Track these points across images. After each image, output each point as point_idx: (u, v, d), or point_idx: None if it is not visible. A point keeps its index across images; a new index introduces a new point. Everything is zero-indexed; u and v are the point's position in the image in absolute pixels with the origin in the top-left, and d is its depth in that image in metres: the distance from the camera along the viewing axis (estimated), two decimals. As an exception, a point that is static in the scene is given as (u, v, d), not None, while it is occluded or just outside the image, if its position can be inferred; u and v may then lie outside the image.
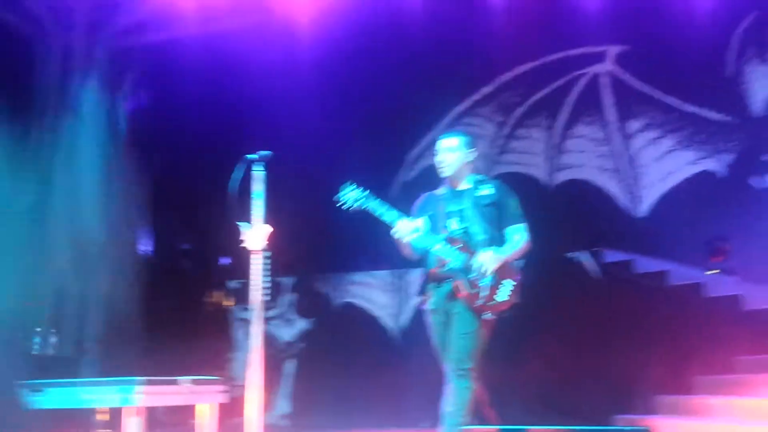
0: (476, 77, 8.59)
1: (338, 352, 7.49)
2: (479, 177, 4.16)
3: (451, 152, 4.09)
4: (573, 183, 8.24)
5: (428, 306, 4.09)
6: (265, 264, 3.97)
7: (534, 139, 8.49)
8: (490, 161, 8.54)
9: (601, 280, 6.00)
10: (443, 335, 3.99)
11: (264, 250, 3.96)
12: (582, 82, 8.45)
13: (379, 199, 4.10)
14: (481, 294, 3.83)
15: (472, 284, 3.85)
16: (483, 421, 4.47)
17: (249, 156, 3.96)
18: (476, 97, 8.67)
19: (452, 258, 3.89)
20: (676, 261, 6.83)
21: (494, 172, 8.37)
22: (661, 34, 8.12)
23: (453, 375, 3.91)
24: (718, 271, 7.09)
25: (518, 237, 3.99)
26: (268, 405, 7.16)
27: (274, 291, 7.75)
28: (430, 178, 8.46)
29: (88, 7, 7.97)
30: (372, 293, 7.80)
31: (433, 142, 8.54)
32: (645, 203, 8.16)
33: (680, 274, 6.35)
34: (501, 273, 3.87)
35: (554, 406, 5.70)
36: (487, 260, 3.83)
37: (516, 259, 3.98)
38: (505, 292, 3.88)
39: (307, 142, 8.17)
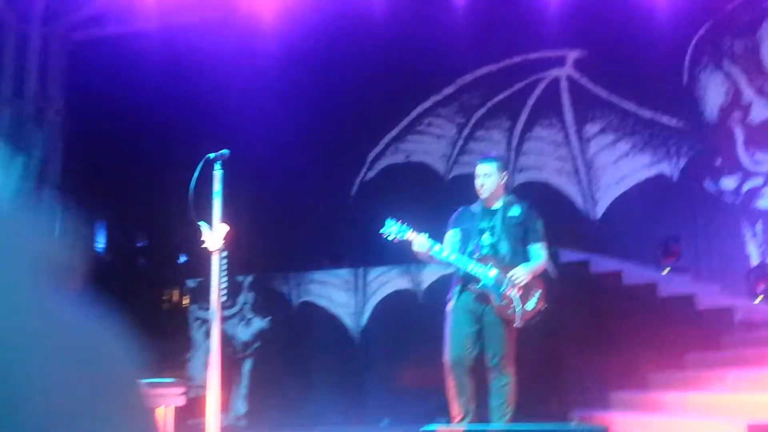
0: (438, 78, 8.64)
1: (296, 351, 7.44)
2: (510, 197, 4.66)
3: (488, 177, 4.56)
4: (532, 184, 8.34)
5: (451, 308, 4.49)
6: (223, 263, 3.92)
7: (494, 141, 8.56)
8: (450, 162, 8.59)
9: (558, 279, 6.07)
10: (462, 335, 4.39)
11: (222, 249, 3.91)
12: (542, 86, 8.56)
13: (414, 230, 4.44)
14: (512, 305, 4.33)
15: (503, 297, 4.34)
16: (449, 419, 4.52)
17: (209, 155, 3.91)
18: (437, 97, 8.71)
19: (484, 276, 4.36)
20: (631, 261, 6.97)
21: (454, 173, 8.43)
22: (619, 40, 8.26)
23: (494, 374, 4.41)
24: (668, 269, 7.25)
25: (541, 254, 4.52)
26: (225, 406, 7.08)
27: (232, 290, 7.67)
28: (390, 178, 8.56)
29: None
30: (331, 292, 7.77)
31: (392, 141, 8.69)
32: (601, 205, 8.30)
33: (635, 273, 6.47)
34: (529, 284, 4.38)
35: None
36: (521, 274, 4.36)
37: (539, 273, 4.49)
38: (534, 301, 4.38)
39: (267, 141, 8.12)
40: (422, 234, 4.40)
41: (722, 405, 4.52)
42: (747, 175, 8.01)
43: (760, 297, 6.87)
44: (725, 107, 8.18)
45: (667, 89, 8.27)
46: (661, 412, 5.00)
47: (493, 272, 4.36)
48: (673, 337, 5.71)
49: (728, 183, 8.04)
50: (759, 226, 7.87)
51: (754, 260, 7.72)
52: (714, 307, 5.93)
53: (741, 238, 7.88)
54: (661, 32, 8.16)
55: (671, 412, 4.91)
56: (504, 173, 4.61)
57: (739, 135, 8.09)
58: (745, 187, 7.99)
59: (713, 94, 8.21)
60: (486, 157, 4.71)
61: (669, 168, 8.20)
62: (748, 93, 8.13)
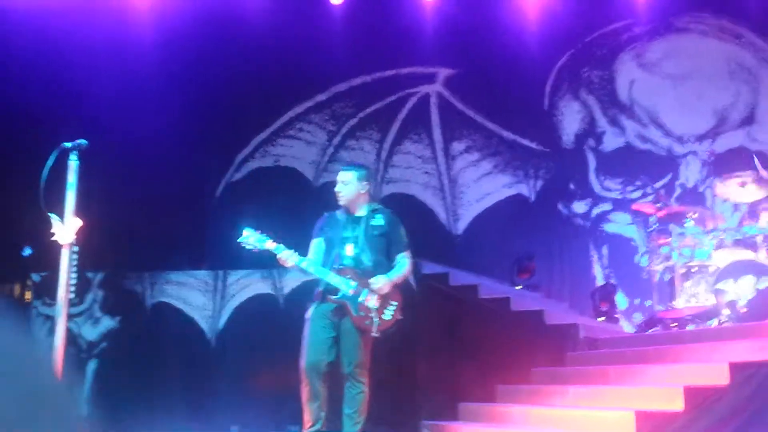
0: (312, 84, 8.61)
1: (147, 353, 7.13)
2: (373, 206, 4.70)
3: (345, 185, 4.59)
4: (398, 196, 8.47)
5: (310, 315, 4.51)
6: (73, 258, 3.71)
7: (364, 151, 8.63)
8: (319, 169, 8.57)
9: (417, 290, 6.19)
10: (318, 341, 4.41)
11: (73, 243, 3.70)
12: (413, 100, 8.73)
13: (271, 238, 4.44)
14: (370, 315, 4.39)
15: (360, 308, 4.40)
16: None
17: (65, 144, 3.69)
18: (310, 103, 8.69)
19: (343, 286, 4.41)
20: (488, 276, 7.22)
21: (323, 179, 8.41)
22: (488, 62, 8.59)
23: (348, 382, 4.46)
24: (521, 286, 7.58)
25: (404, 263, 4.60)
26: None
27: (81, 287, 7.26)
28: (258, 180, 8.42)
29: None
30: (188, 294, 7.52)
31: (262, 144, 8.57)
32: (463, 221, 8.56)
33: (491, 288, 6.71)
34: (387, 295, 4.45)
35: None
36: (381, 283, 4.42)
37: (400, 283, 4.57)
38: (390, 311, 4.45)
39: (130, 134, 7.77)
40: (281, 245, 4.40)
41: (563, 419, 4.76)
42: (597, 200, 8.52)
43: (603, 316, 7.32)
44: (580, 134, 8.67)
45: (529, 113, 8.67)
46: (507, 423, 5.19)
47: (352, 283, 4.41)
48: (522, 351, 5.96)
49: (579, 207, 8.53)
50: (605, 250, 8.40)
51: (599, 281, 8.22)
52: (561, 324, 6.24)
53: (588, 259, 8.37)
54: (527, 57, 8.56)
55: (516, 425, 5.11)
56: (364, 183, 4.63)
57: (592, 161, 8.61)
58: (595, 212, 8.51)
59: (570, 120, 8.69)
60: (346, 165, 4.77)
61: (527, 189, 8.58)
62: (602, 122, 8.67)
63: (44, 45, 7.83)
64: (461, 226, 8.58)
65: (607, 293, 7.56)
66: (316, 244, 4.62)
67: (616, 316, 7.53)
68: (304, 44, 8.41)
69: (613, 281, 8.05)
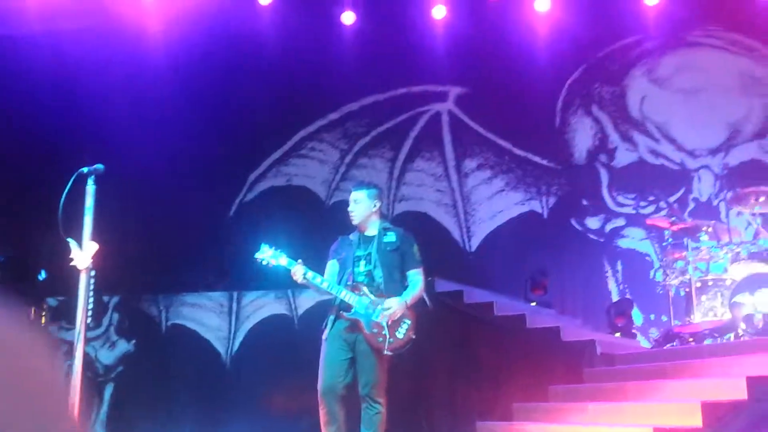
0: (323, 103, 8.68)
1: (163, 375, 7.16)
2: (385, 224, 4.70)
3: (357, 204, 4.63)
4: (411, 214, 8.48)
5: (326, 335, 4.50)
6: (90, 283, 3.73)
7: (376, 170, 8.66)
8: (331, 187, 8.61)
9: (431, 308, 6.18)
10: (334, 363, 4.41)
11: (90, 268, 3.72)
12: (424, 118, 8.77)
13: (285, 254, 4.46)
14: (382, 332, 4.36)
15: (373, 325, 4.38)
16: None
17: (82, 169, 3.72)
18: (322, 122, 8.74)
19: (356, 304, 4.40)
20: (502, 293, 7.20)
21: (335, 198, 8.45)
22: (499, 80, 8.62)
23: (365, 403, 4.43)
24: (536, 302, 7.55)
25: (418, 280, 4.57)
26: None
27: (98, 310, 7.31)
28: (270, 199, 8.45)
29: None
30: (203, 315, 7.55)
31: (275, 163, 8.62)
32: (476, 238, 8.55)
33: (505, 305, 6.69)
34: (400, 313, 4.41)
35: None
36: (394, 307, 4.39)
37: (415, 301, 4.53)
38: (403, 330, 4.41)
39: (144, 157, 7.82)
40: (297, 261, 4.40)
41: (581, 435, 4.73)
42: (610, 215, 8.49)
43: (619, 332, 7.27)
44: (592, 150, 8.66)
45: (540, 130, 8.68)
46: (525, 441, 5.16)
47: (365, 300, 4.41)
48: (539, 369, 5.92)
49: (593, 222, 8.51)
50: (619, 265, 8.36)
51: (615, 296, 8.18)
52: (577, 340, 6.21)
53: (603, 275, 8.34)
54: (538, 75, 8.58)
55: (534, 442, 5.08)
56: (376, 201, 4.64)
57: (605, 177, 8.59)
58: (608, 227, 8.47)
59: (582, 136, 8.69)
60: (358, 184, 4.77)
61: (540, 205, 8.58)
62: (614, 137, 8.66)
63: (60, 72, 7.93)
64: (475, 243, 8.58)
65: (622, 309, 7.52)
66: (331, 266, 4.64)
67: (632, 331, 7.48)
68: (315, 64, 8.48)
69: (628, 296, 8.00)
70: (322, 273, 4.56)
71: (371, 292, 4.45)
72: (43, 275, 7.46)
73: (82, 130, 7.81)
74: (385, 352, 4.38)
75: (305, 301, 7.22)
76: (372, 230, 4.64)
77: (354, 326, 4.43)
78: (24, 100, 7.74)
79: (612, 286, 8.33)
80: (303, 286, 4.61)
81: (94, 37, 8.01)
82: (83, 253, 3.71)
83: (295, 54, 8.43)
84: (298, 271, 4.38)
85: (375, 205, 4.64)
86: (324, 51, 8.54)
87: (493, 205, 8.60)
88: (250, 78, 8.38)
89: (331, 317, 4.53)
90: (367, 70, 8.58)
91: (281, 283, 5.20)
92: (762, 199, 6.18)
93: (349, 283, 4.49)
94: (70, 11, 7.66)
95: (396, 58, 8.67)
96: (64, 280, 3.94)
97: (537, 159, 8.66)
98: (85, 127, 7.84)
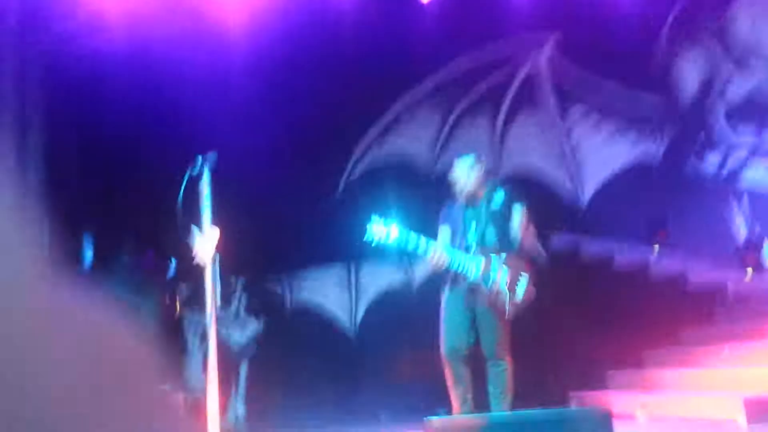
0: (418, 71, 8.60)
1: (292, 350, 7.42)
2: (491, 186, 4.70)
3: (463, 173, 4.64)
4: (520, 169, 8.34)
5: (445, 299, 4.55)
6: (216, 268, 3.91)
7: (481, 128, 8.54)
8: (436, 152, 8.57)
9: (549, 264, 6.11)
10: (455, 325, 4.44)
11: (215, 253, 3.89)
12: (524, 70, 8.55)
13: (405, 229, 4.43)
14: (503, 291, 4.37)
15: (492, 286, 4.39)
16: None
17: (198, 157, 3.89)
18: (420, 91, 8.68)
19: (473, 269, 4.41)
20: (621, 242, 7.00)
21: (440, 163, 8.41)
22: (598, 21, 8.26)
23: (490, 362, 4.45)
24: (658, 249, 7.30)
25: (528, 234, 4.55)
26: (223, 409, 7.06)
27: (226, 293, 7.65)
28: (375, 173, 8.50)
29: (17, 9, 7.69)
30: (325, 289, 7.76)
31: (377, 138, 8.66)
32: (589, 187, 8.32)
33: (626, 255, 6.51)
34: (517, 269, 4.43)
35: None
36: (510, 261, 4.41)
37: (528, 259, 4.52)
38: (522, 287, 4.42)
39: (249, 144, 8.04)
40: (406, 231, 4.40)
41: (718, 380, 4.56)
42: (730, 148, 8.05)
43: (750, 271, 6.93)
44: (705, 81, 8.22)
45: (647, 66, 8.29)
46: (659, 389, 5.03)
47: (482, 264, 4.42)
48: (667, 315, 5.75)
49: (712, 158, 8.09)
50: (745, 199, 7.93)
51: (742, 235, 7.78)
52: (707, 282, 5.97)
53: (729, 211, 7.93)
54: (639, 9, 8.19)
55: (668, 389, 4.95)
56: (477, 167, 4.67)
57: (721, 109, 8.14)
58: (729, 162, 8.04)
59: (693, 68, 8.25)
60: (459, 157, 4.79)
61: (654, 147, 8.23)
62: (727, 66, 8.17)
63: (162, 76, 8.25)
64: (588, 194, 8.34)
65: (753, 245, 7.15)
66: (443, 231, 4.67)
67: (765, 268, 7.11)
68: (404, 33, 8.41)
69: (758, 231, 7.59)
70: (431, 236, 4.58)
71: (486, 253, 4.44)
72: (173, 264, 7.88)
73: (191, 122, 8.11)
74: (507, 309, 4.38)
75: (422, 269, 7.28)
76: (479, 195, 4.65)
77: (473, 289, 4.45)
78: (126, 109, 8.09)
79: (740, 222, 7.91)
80: (417, 257, 4.64)
81: (179, 39, 8.27)
82: (207, 239, 3.89)
83: (382, 27, 8.39)
84: (432, 249, 4.39)
85: (478, 172, 4.65)
86: (411, 17, 8.47)
87: (605, 151, 8.32)
88: (340, 57, 8.41)
89: (449, 281, 4.56)
90: (461, 26, 8.44)
91: (396, 252, 5.25)
92: None
93: (463, 248, 4.50)
94: (152, 18, 7.93)
95: (489, 10, 8.47)
96: (194, 266, 4.12)
97: (647, 96, 8.29)
98: (195, 118, 8.14)
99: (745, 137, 8.01)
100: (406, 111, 8.71)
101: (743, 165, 8.00)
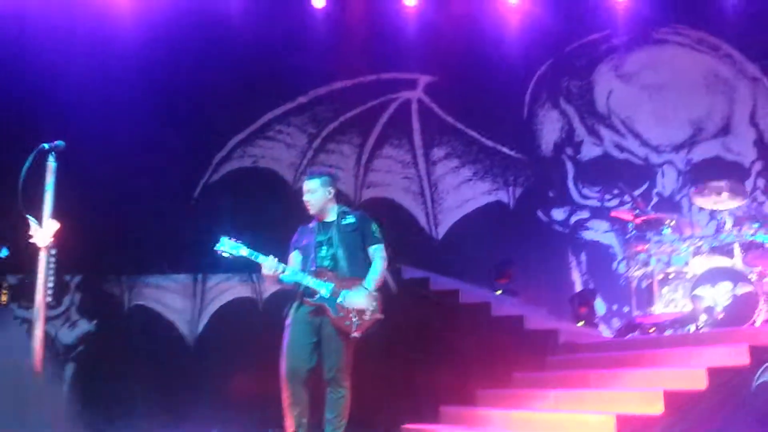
0: (292, 86, 8.59)
1: (125, 356, 7.06)
2: (343, 208, 4.72)
3: (312, 194, 4.60)
4: (378, 201, 8.47)
5: (290, 319, 4.51)
6: (50, 261, 3.67)
7: (344, 155, 8.63)
8: (299, 171, 8.54)
9: (398, 295, 6.20)
10: (298, 346, 4.42)
11: (51, 246, 3.66)
12: (394, 106, 8.75)
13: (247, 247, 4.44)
14: (349, 315, 4.37)
15: (339, 309, 4.38)
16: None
17: (43, 145, 3.65)
18: (290, 105, 8.66)
19: (321, 289, 4.41)
20: (468, 281, 7.25)
21: (301, 182, 8.37)
22: (468, 70, 8.65)
23: (330, 387, 4.45)
24: (501, 291, 7.62)
25: (379, 256, 4.58)
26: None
27: (58, 290, 7.17)
28: (236, 181, 8.35)
29: None
30: (168, 297, 7.46)
31: (240, 144, 8.52)
32: (443, 226, 8.59)
33: (471, 293, 6.73)
34: (363, 296, 4.41)
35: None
36: (358, 299, 4.40)
37: (381, 282, 4.54)
38: (369, 314, 4.41)
39: (107, 136, 7.68)
40: (255, 252, 4.40)
41: (544, 423, 4.78)
42: (575, 207, 8.60)
43: (582, 321, 7.37)
44: (559, 143, 8.75)
45: (508, 121, 8.75)
46: (488, 427, 5.20)
47: (330, 285, 4.41)
48: (503, 356, 5.98)
49: (558, 214, 8.61)
50: (583, 256, 8.48)
51: (578, 286, 8.29)
52: (541, 329, 6.28)
53: (567, 265, 8.44)
54: (507, 66, 8.65)
55: (497, 428, 5.13)
56: (330, 188, 4.64)
57: (571, 170, 8.69)
58: (573, 219, 8.58)
59: (549, 129, 8.78)
60: (310, 174, 4.73)
61: (507, 196, 8.64)
62: (581, 131, 8.76)
63: (22, 46, 7.74)
64: (441, 231, 8.61)
65: (585, 299, 7.62)
66: (293, 257, 4.63)
67: (595, 321, 7.59)
68: (284, 47, 8.40)
69: (591, 287, 8.12)
70: (284, 253, 4.54)
71: (336, 276, 4.45)
72: (5, 252, 7.30)
73: (43, 106, 7.62)
74: (353, 335, 4.38)
75: (270, 286, 7.18)
76: (331, 216, 4.65)
77: (319, 310, 4.43)
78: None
79: (576, 276, 8.44)
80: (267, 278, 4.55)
81: (57, 11, 7.83)
82: (43, 231, 3.65)
83: (265, 36, 8.36)
84: (268, 265, 4.36)
85: (330, 192, 4.64)
86: (294, 34, 8.47)
87: (461, 193, 8.65)
88: (217, 58, 8.28)
89: (296, 302, 4.52)
90: (337, 54, 8.54)
91: (246, 266, 5.15)
92: (723, 195, 6.29)
93: (312, 269, 4.48)
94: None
95: (367, 43, 8.64)
96: (25, 257, 3.86)
97: (505, 150, 8.72)
98: (47, 103, 7.65)
99: (588, 200, 8.59)
100: (275, 122, 8.63)
101: (584, 224, 8.56)
